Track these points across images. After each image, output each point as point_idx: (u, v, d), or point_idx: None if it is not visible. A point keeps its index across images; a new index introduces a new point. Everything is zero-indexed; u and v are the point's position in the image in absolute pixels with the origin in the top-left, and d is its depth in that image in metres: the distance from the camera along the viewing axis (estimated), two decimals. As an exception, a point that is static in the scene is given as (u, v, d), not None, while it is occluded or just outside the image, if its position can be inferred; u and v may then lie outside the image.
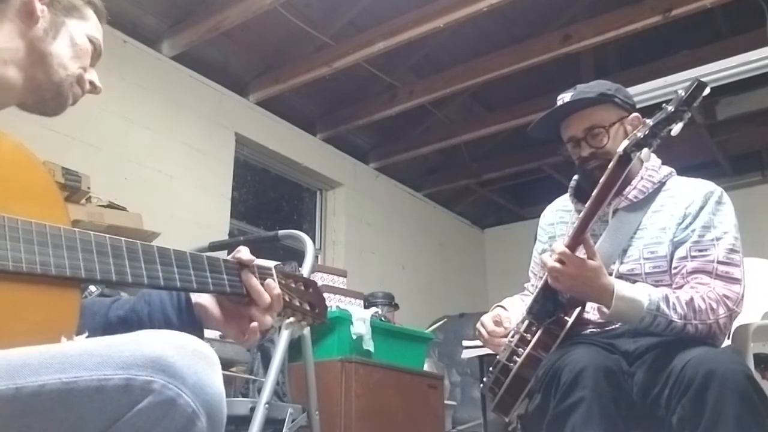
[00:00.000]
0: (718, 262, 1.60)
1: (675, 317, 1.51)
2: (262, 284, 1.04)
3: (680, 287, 1.60)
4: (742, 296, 1.59)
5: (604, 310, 1.55)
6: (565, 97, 1.76)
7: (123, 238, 0.90)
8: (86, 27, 1.08)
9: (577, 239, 1.54)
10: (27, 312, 0.79)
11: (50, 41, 1.03)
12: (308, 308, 1.16)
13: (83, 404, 0.70)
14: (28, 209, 0.82)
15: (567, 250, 1.53)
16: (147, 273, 0.90)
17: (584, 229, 1.53)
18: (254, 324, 1.04)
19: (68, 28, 1.05)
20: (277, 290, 1.05)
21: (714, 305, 1.54)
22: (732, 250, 1.61)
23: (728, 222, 1.65)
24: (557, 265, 1.54)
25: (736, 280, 1.59)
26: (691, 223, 1.65)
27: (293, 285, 1.14)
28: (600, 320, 1.67)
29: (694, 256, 1.62)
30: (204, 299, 1.08)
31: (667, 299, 1.53)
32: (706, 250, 1.62)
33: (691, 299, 1.53)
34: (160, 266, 0.92)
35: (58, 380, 0.70)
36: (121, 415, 0.70)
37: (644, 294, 1.53)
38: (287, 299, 1.10)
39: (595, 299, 1.59)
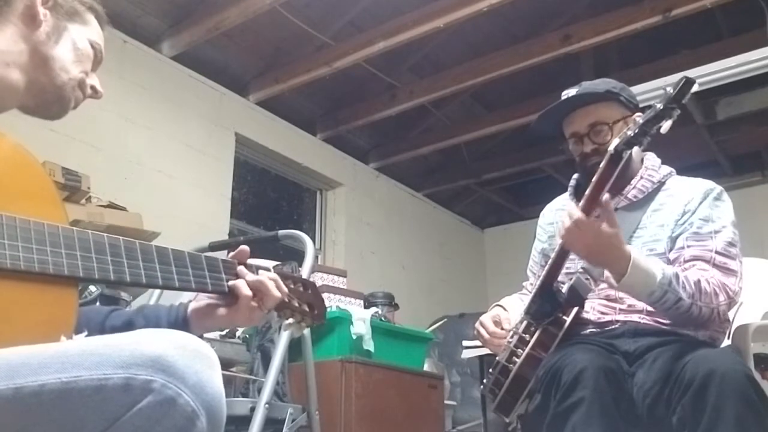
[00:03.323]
0: (716, 252, 1.60)
1: (684, 295, 1.51)
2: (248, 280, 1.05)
3: None
4: (740, 289, 1.59)
5: (612, 282, 1.53)
6: (570, 93, 1.76)
7: (121, 237, 0.90)
8: (88, 32, 1.09)
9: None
10: (26, 310, 0.80)
11: (53, 45, 1.03)
12: (307, 309, 1.16)
13: (83, 404, 0.70)
14: (26, 208, 0.83)
15: (583, 215, 1.48)
16: (145, 272, 0.91)
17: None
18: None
19: (70, 33, 1.06)
20: (267, 284, 1.06)
21: (717, 290, 1.55)
22: (730, 243, 1.62)
23: (726, 217, 1.66)
24: (574, 227, 1.49)
25: (733, 272, 1.59)
26: (689, 218, 1.66)
27: (292, 286, 1.15)
28: (600, 320, 1.67)
29: (691, 245, 1.63)
30: (202, 305, 1.08)
31: (677, 276, 1.53)
32: (704, 240, 1.63)
33: (699, 281, 1.54)
34: (159, 266, 0.93)
35: (57, 380, 0.70)
36: (121, 415, 0.70)
37: (658, 268, 1.52)
38: (286, 300, 1.10)
39: (609, 265, 1.53)
